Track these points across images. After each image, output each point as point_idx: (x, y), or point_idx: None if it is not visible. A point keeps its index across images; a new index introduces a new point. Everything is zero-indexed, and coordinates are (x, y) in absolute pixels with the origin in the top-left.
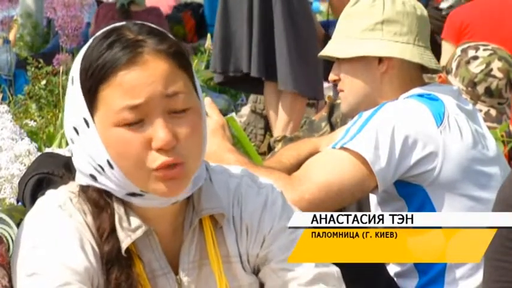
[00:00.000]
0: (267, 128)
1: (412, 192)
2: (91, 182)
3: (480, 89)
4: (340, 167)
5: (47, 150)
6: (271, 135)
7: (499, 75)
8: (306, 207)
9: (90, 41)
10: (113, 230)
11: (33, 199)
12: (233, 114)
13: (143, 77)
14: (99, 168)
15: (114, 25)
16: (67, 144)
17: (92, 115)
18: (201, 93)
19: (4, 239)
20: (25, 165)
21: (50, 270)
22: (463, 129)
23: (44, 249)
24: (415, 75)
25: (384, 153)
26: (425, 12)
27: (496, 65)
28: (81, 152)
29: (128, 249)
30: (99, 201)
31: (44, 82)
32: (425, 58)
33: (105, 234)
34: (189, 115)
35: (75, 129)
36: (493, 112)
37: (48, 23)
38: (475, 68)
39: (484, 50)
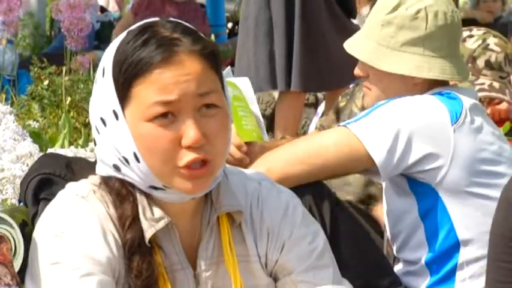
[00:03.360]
0: (269, 129)
1: (422, 192)
2: (113, 173)
3: (480, 62)
4: (332, 141)
5: (50, 150)
6: (273, 136)
7: (497, 49)
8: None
9: (124, 34)
10: (135, 219)
11: (35, 199)
12: (227, 76)
13: (177, 76)
14: (124, 160)
15: (148, 21)
16: (70, 144)
17: (123, 108)
18: (227, 93)
19: (6, 238)
20: (27, 165)
21: (74, 260)
22: (479, 129)
23: (68, 239)
24: (442, 80)
25: (386, 139)
26: (459, 16)
27: (492, 40)
28: (107, 142)
29: (149, 240)
30: (121, 191)
31: (46, 82)
32: (461, 69)
33: (128, 222)
34: (218, 114)
35: (102, 119)
36: (496, 85)
37: (50, 23)
38: (472, 44)
39: (478, 30)
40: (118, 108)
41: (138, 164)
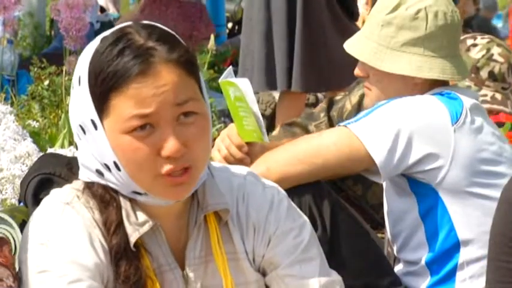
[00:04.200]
0: (269, 129)
1: (423, 192)
2: (96, 178)
3: (483, 73)
4: (332, 141)
5: (50, 150)
6: None
7: (500, 59)
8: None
9: (98, 42)
10: (120, 223)
11: (35, 199)
12: (228, 77)
13: (154, 88)
14: (105, 167)
15: (122, 27)
16: (70, 144)
17: (101, 119)
18: (207, 97)
19: (8, 240)
20: (27, 165)
21: (61, 267)
22: (479, 129)
23: (54, 246)
24: (442, 80)
25: (386, 139)
26: (458, 16)
27: (496, 50)
28: (88, 148)
29: (135, 244)
30: (104, 196)
31: (47, 82)
32: (461, 69)
33: (113, 227)
34: (197, 121)
35: (81, 127)
36: (498, 96)
37: (50, 23)
38: (476, 54)
39: (482, 38)
40: (96, 119)
41: (119, 172)
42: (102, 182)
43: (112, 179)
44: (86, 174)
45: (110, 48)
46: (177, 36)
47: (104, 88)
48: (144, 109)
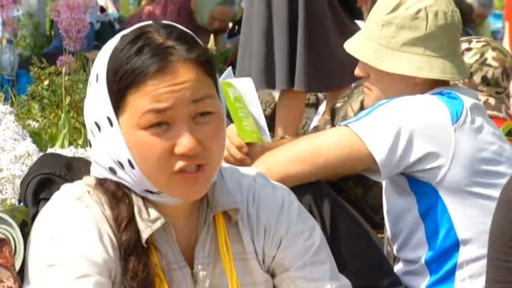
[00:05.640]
0: (268, 129)
1: (423, 191)
2: (109, 175)
3: (477, 78)
4: (333, 140)
5: (50, 150)
6: (273, 136)
7: (494, 64)
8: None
9: (118, 40)
10: (130, 220)
11: (35, 199)
12: (228, 77)
13: (172, 85)
14: (119, 165)
15: (141, 26)
16: (70, 144)
17: (117, 116)
18: (222, 96)
19: (8, 241)
20: (27, 165)
21: (69, 262)
22: (480, 129)
23: (63, 241)
24: (442, 80)
25: (387, 138)
26: (459, 15)
27: (491, 54)
28: (102, 145)
29: (146, 241)
30: (116, 193)
31: (46, 82)
32: (461, 69)
33: (124, 223)
34: (213, 120)
35: (96, 124)
36: (492, 101)
37: (50, 23)
38: (470, 58)
39: (477, 42)
40: (112, 116)
41: (133, 170)
42: (115, 179)
43: (125, 177)
44: (98, 171)
45: (128, 46)
46: (195, 37)
47: (122, 85)
48: (160, 104)
